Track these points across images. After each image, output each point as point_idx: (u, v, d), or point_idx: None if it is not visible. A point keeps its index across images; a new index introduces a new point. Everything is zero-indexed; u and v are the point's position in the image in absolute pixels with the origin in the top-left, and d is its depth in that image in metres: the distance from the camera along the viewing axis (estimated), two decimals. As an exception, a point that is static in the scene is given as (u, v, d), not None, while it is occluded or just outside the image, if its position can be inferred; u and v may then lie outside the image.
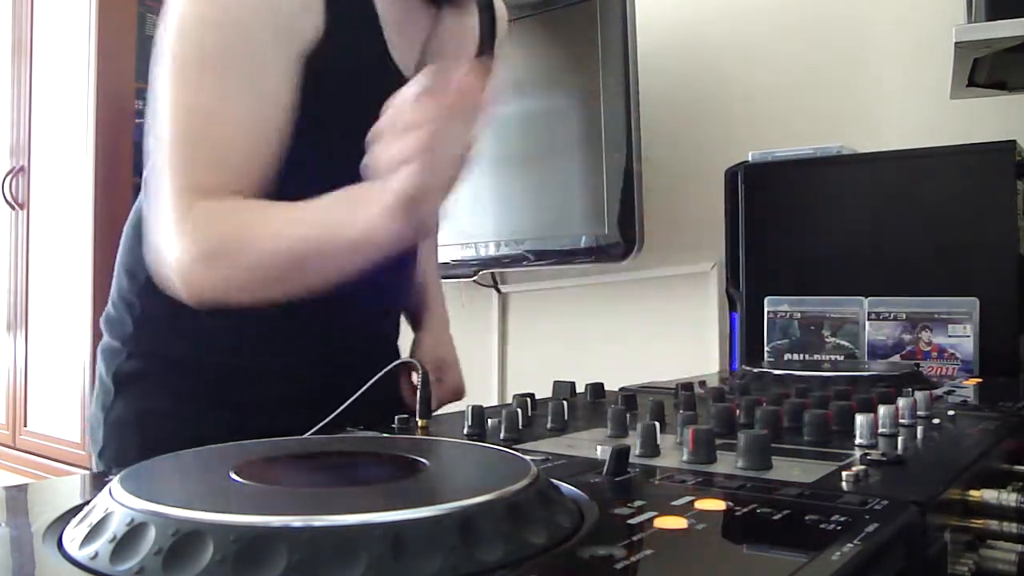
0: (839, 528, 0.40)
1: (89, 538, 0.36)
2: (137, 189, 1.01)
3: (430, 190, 0.70)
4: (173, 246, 0.79)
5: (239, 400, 0.92)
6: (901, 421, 0.68)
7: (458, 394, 1.12)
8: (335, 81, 0.85)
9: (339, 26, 0.83)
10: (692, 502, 0.44)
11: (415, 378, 0.88)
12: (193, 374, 0.92)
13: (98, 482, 0.51)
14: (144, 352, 0.95)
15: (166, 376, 0.94)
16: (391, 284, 0.99)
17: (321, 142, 0.86)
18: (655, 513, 0.42)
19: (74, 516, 0.40)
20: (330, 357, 0.93)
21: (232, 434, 0.91)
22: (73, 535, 0.37)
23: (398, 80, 0.89)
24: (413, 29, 0.92)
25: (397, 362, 0.79)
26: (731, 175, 1.45)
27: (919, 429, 0.68)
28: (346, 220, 0.74)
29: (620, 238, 1.76)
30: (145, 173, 0.97)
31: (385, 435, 0.68)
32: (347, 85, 0.86)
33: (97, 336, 1.01)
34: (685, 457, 0.56)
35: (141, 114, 2.48)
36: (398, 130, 0.69)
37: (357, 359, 0.86)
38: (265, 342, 0.91)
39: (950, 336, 1.18)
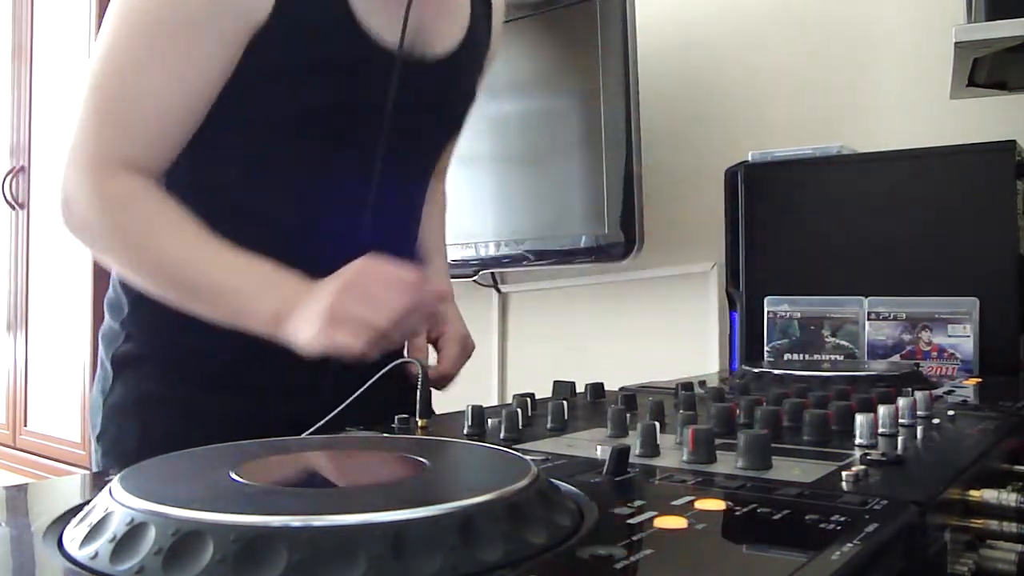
0: (839, 528, 0.40)
1: (89, 538, 0.36)
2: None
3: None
4: (73, 187, 0.84)
5: (236, 385, 0.92)
6: (901, 421, 0.68)
7: (466, 347, 1.06)
8: (290, 48, 0.85)
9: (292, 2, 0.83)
10: (692, 502, 0.44)
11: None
12: (188, 358, 0.92)
13: (98, 482, 0.51)
14: (140, 335, 0.95)
15: (162, 360, 0.94)
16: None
17: (288, 109, 0.87)
18: (655, 513, 0.42)
19: (74, 516, 0.40)
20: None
21: (229, 419, 0.92)
22: (73, 535, 0.37)
23: (370, 48, 0.87)
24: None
25: (397, 361, 0.79)
26: (731, 175, 1.45)
27: (919, 429, 0.68)
28: (246, 293, 0.81)
29: (620, 238, 1.76)
30: None
31: (385, 435, 0.68)
32: (307, 51, 0.86)
33: (98, 331, 1.01)
34: (685, 457, 0.56)
35: (141, 114, 2.48)
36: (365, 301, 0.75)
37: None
38: None
39: (950, 336, 1.18)
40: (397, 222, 1.01)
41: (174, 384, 0.93)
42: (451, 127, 1.04)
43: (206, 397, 0.92)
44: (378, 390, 0.78)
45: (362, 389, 0.80)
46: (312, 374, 0.88)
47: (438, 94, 0.96)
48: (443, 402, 0.82)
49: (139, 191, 0.84)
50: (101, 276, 2.37)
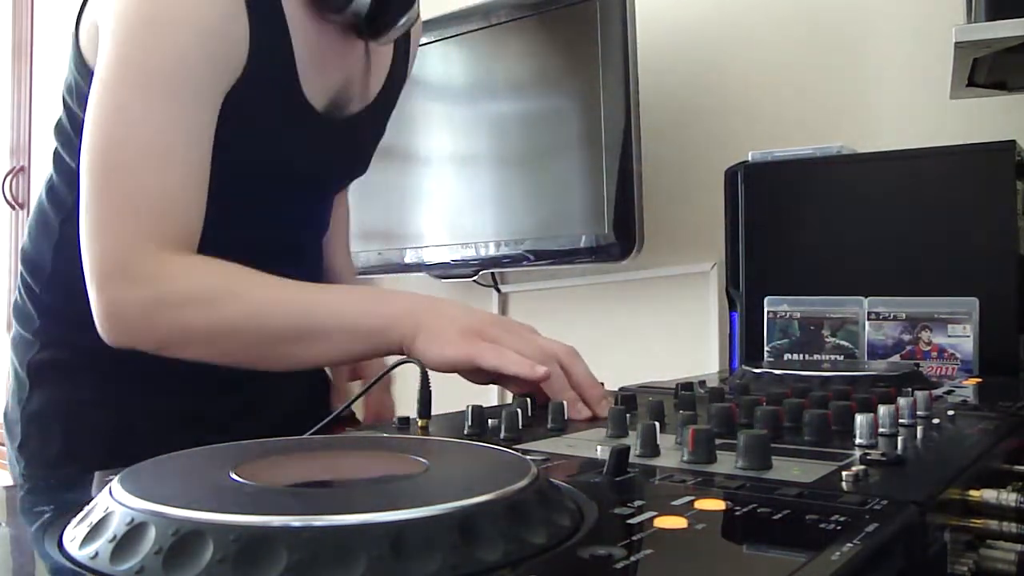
0: (839, 528, 0.40)
1: (89, 538, 0.36)
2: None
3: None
4: (116, 289, 0.76)
5: (162, 384, 0.91)
6: (901, 421, 0.68)
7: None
8: (247, 114, 0.84)
9: (258, 61, 0.83)
10: (692, 502, 0.44)
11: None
12: (109, 360, 0.90)
13: (98, 482, 0.51)
14: (55, 342, 0.94)
15: (81, 365, 0.93)
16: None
17: (231, 179, 0.85)
18: (655, 513, 0.42)
19: (74, 516, 0.40)
20: None
21: (161, 418, 0.92)
22: (73, 535, 0.37)
23: (306, 113, 0.90)
24: (331, 62, 0.92)
25: (398, 361, 0.79)
26: (731, 175, 1.45)
27: (919, 429, 0.68)
28: (365, 311, 0.79)
29: (620, 238, 1.76)
30: (52, 176, 0.96)
31: (385, 435, 0.68)
32: (257, 118, 0.87)
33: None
34: (685, 457, 0.56)
35: (141, 114, 2.48)
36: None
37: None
38: None
39: (950, 336, 1.18)
40: (317, 239, 1.07)
41: (92, 386, 0.92)
42: (365, 164, 1.09)
43: (125, 395, 0.91)
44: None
45: (362, 391, 0.80)
46: (219, 370, 0.87)
47: (357, 143, 1.02)
48: (443, 402, 0.82)
49: (203, 260, 0.79)
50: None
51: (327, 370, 1.08)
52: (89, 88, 0.80)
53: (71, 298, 0.86)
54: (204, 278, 0.78)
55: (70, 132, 0.92)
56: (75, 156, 0.83)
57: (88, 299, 0.79)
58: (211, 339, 0.78)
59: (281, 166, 0.93)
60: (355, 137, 1.01)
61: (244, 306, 0.77)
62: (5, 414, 0.99)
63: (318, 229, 1.08)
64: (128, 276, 0.76)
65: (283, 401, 0.85)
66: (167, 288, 0.77)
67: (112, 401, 0.92)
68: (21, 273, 0.99)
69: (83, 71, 0.87)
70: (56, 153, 0.96)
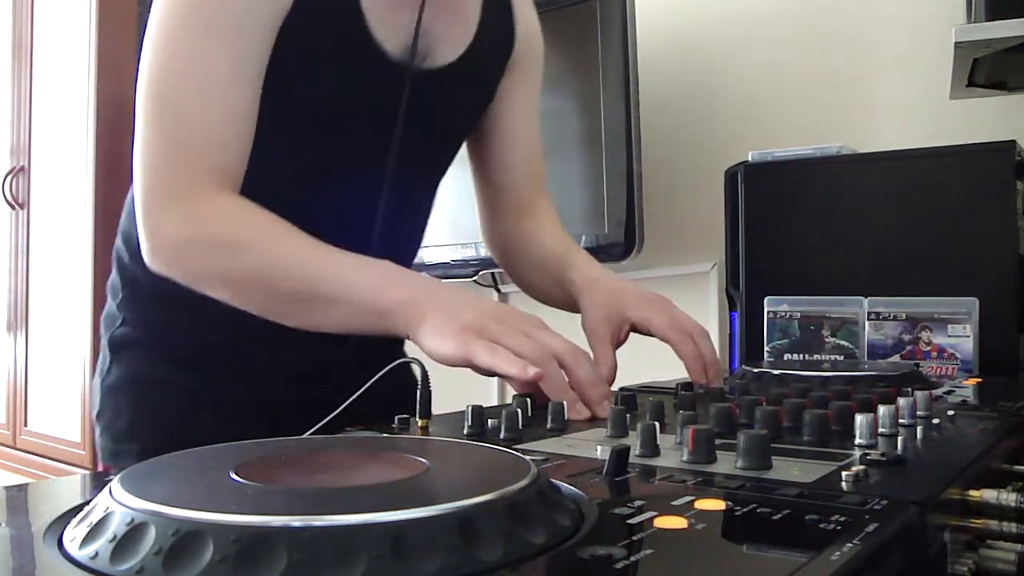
0: (839, 528, 0.40)
1: (89, 538, 0.36)
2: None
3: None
4: (159, 218, 0.79)
5: (234, 370, 0.92)
6: (901, 421, 0.68)
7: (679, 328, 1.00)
8: (306, 50, 0.83)
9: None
10: (692, 502, 0.44)
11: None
12: (183, 342, 0.92)
13: (98, 482, 0.51)
14: (135, 318, 0.96)
15: (157, 343, 0.95)
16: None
17: (292, 115, 0.85)
18: (655, 513, 0.42)
19: (74, 516, 0.40)
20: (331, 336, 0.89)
21: (219, 403, 0.92)
22: (73, 535, 0.37)
23: (379, 57, 0.86)
24: (402, 5, 0.87)
25: (398, 361, 0.79)
26: (731, 175, 1.45)
27: (919, 429, 0.68)
28: (377, 288, 0.77)
29: (620, 238, 1.76)
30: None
31: (385, 435, 0.68)
32: (321, 56, 0.84)
33: (98, 336, 1.02)
34: (685, 457, 0.56)
35: (141, 114, 2.49)
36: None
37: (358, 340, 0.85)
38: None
39: (950, 336, 1.18)
40: (401, 230, 1.00)
41: (164, 367, 0.94)
42: (455, 134, 1.03)
43: (196, 381, 0.93)
44: (377, 390, 0.78)
45: (362, 390, 0.80)
46: (304, 364, 0.88)
47: (440, 103, 0.95)
48: (443, 402, 0.82)
49: (240, 204, 0.80)
50: (101, 276, 2.37)
51: (414, 368, 1.06)
52: None
53: (153, 273, 0.88)
54: (234, 225, 0.78)
55: None
56: None
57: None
58: (232, 286, 0.79)
59: (340, 113, 0.88)
60: (436, 94, 0.92)
61: (262, 260, 0.77)
62: (93, 383, 1.02)
63: (415, 205, 1.01)
64: (168, 209, 0.78)
65: (357, 403, 0.83)
66: (199, 229, 0.78)
67: (180, 384, 0.93)
68: (116, 250, 1.00)
69: None
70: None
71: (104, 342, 0.98)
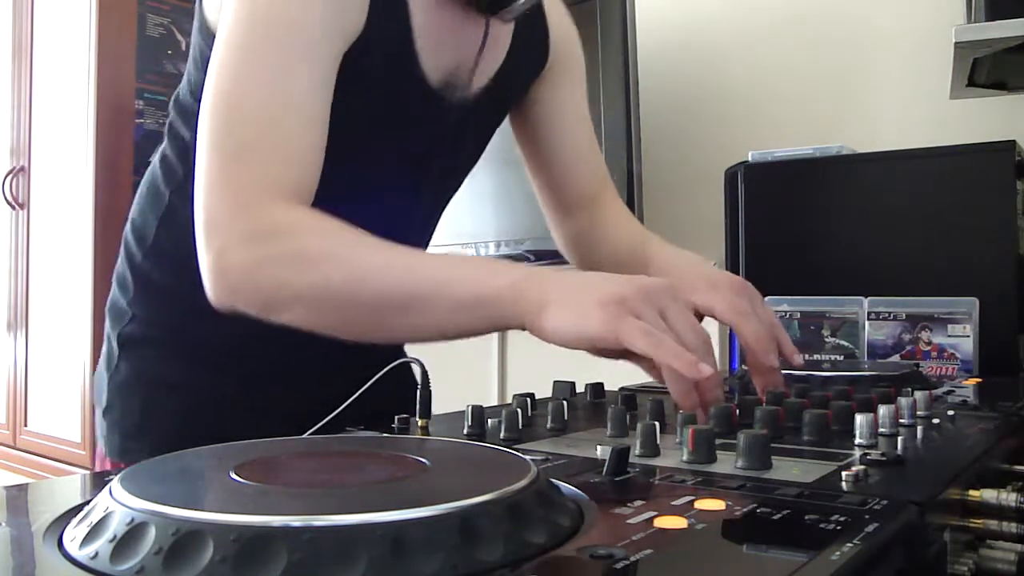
0: (839, 528, 0.40)
1: (89, 538, 0.36)
2: (136, 189, 1.01)
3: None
4: (224, 239, 0.72)
5: (244, 370, 0.92)
6: (901, 421, 0.68)
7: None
8: (359, 84, 0.83)
9: (374, 27, 0.82)
10: (692, 502, 0.44)
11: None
12: (195, 342, 0.93)
13: (98, 482, 0.51)
14: (147, 316, 0.96)
15: (168, 342, 0.94)
16: None
17: (343, 142, 0.82)
18: (655, 513, 0.42)
19: (74, 516, 0.40)
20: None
21: (231, 403, 0.92)
22: (73, 535, 0.37)
23: (422, 88, 0.88)
24: (448, 38, 0.89)
25: (398, 361, 0.79)
26: (731, 175, 1.45)
27: (919, 429, 0.68)
28: (475, 278, 0.69)
29: (620, 238, 1.75)
30: (165, 147, 0.96)
31: (385, 435, 0.68)
32: (372, 86, 0.85)
33: (97, 335, 1.02)
34: (685, 457, 0.56)
35: (141, 114, 2.48)
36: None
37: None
38: None
39: (950, 336, 1.18)
40: (416, 243, 1.00)
41: (176, 367, 0.94)
42: (476, 152, 1.05)
43: (209, 381, 0.93)
44: (377, 390, 0.78)
45: (362, 390, 0.80)
46: (314, 365, 0.87)
47: (465, 125, 0.97)
48: (443, 402, 0.82)
49: (312, 216, 0.73)
50: (101, 276, 2.37)
51: (414, 368, 1.04)
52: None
53: (168, 271, 0.88)
54: (311, 236, 0.72)
55: (190, 101, 0.91)
56: (191, 127, 0.82)
57: (182, 275, 0.79)
58: (312, 302, 0.72)
59: (388, 138, 0.88)
60: (464, 118, 0.94)
61: (347, 269, 0.71)
62: (96, 376, 1.01)
63: (427, 219, 1.01)
64: (236, 229, 0.72)
65: (357, 403, 0.81)
66: (273, 245, 0.71)
67: (192, 384, 0.93)
68: (125, 239, 0.99)
69: (208, 38, 0.84)
70: (170, 125, 0.95)
71: (112, 336, 0.98)
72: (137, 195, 1.00)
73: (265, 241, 0.71)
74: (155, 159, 0.99)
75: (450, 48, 0.90)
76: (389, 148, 0.91)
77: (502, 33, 0.96)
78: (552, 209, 1.14)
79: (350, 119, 0.83)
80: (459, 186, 1.07)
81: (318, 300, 0.71)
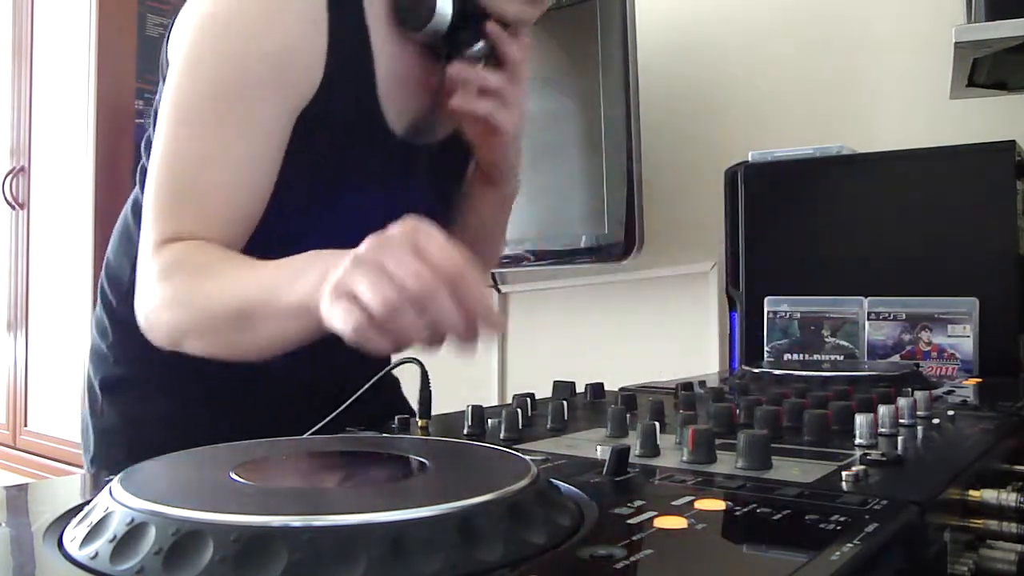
0: (839, 528, 0.40)
1: (89, 538, 0.36)
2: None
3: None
4: (141, 286, 0.78)
5: (230, 402, 0.91)
6: (901, 421, 0.68)
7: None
8: (323, 135, 0.84)
9: (335, 82, 0.82)
10: (692, 502, 0.44)
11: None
12: (179, 378, 0.91)
13: (98, 482, 0.51)
14: (128, 358, 0.95)
15: (152, 383, 0.94)
16: None
17: (305, 194, 0.85)
18: (655, 513, 0.42)
19: (74, 516, 0.40)
20: (324, 352, 0.84)
21: (220, 437, 0.92)
22: (73, 535, 0.37)
23: (385, 137, 0.89)
24: (412, 86, 0.90)
25: (398, 361, 0.79)
26: (731, 175, 1.45)
27: (919, 429, 0.68)
28: (286, 285, 0.67)
29: (620, 238, 1.75)
30: (137, 192, 0.96)
31: (385, 435, 0.68)
32: (334, 139, 0.85)
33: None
34: (685, 457, 0.56)
35: (141, 114, 2.48)
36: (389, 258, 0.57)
37: (355, 355, 0.83)
38: None
39: (950, 336, 1.18)
40: None
41: (160, 404, 0.93)
42: (446, 194, 1.03)
43: (195, 417, 0.92)
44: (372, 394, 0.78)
45: (362, 390, 0.80)
46: (302, 391, 0.87)
47: (429, 171, 0.97)
48: (443, 402, 0.82)
49: (187, 249, 0.77)
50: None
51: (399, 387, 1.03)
52: None
53: None
54: (182, 275, 0.76)
55: None
56: None
57: None
58: (195, 335, 0.76)
59: (354, 185, 0.90)
60: (433, 164, 0.95)
61: (200, 301, 0.74)
62: (81, 423, 1.00)
63: None
64: (146, 275, 0.78)
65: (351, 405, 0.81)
66: (161, 288, 0.76)
67: (180, 420, 0.92)
68: (101, 284, 0.99)
69: None
70: (141, 168, 0.96)
71: (95, 383, 0.97)
72: (111, 238, 1.00)
73: (159, 283, 0.76)
74: (127, 205, 0.99)
75: (415, 95, 0.90)
76: (356, 193, 0.91)
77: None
78: None
79: (317, 167, 0.85)
80: (443, 218, 1.07)
81: (197, 333, 0.75)
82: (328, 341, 0.72)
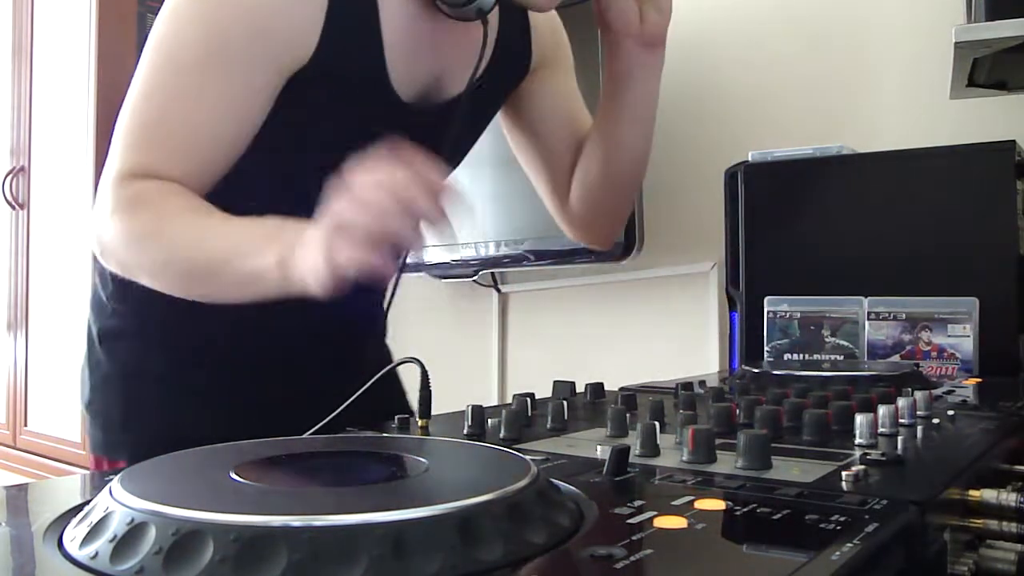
0: (839, 528, 0.40)
1: (89, 538, 0.36)
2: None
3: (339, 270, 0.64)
4: (98, 212, 0.80)
5: (226, 362, 0.92)
6: (901, 421, 0.68)
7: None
8: (322, 98, 0.84)
9: (335, 48, 0.82)
10: (692, 502, 0.44)
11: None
12: (176, 333, 0.92)
13: (98, 482, 0.51)
14: (126, 310, 0.96)
15: (149, 335, 0.94)
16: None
17: (304, 159, 0.85)
18: (655, 513, 0.42)
19: (74, 516, 0.40)
20: (314, 308, 0.82)
21: (211, 394, 0.92)
22: (73, 535, 0.37)
23: (395, 102, 0.88)
24: (424, 50, 0.89)
25: (398, 361, 0.79)
26: (731, 175, 1.45)
27: (919, 429, 0.68)
28: (249, 252, 0.72)
29: (620, 238, 1.75)
30: None
31: (385, 435, 0.68)
32: (335, 103, 0.85)
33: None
34: (685, 457, 0.56)
35: (141, 114, 2.48)
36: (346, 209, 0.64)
37: (344, 308, 0.79)
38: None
39: (950, 336, 1.18)
40: None
41: (157, 359, 0.94)
42: (451, 158, 1.03)
43: (191, 373, 0.93)
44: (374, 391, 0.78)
45: (362, 389, 0.80)
46: (295, 355, 0.87)
47: (446, 132, 0.95)
48: (443, 402, 0.82)
49: (160, 190, 0.79)
50: (101, 276, 2.37)
51: (398, 374, 1.02)
52: None
53: None
54: (149, 214, 0.78)
55: None
56: None
57: None
58: (150, 272, 0.80)
59: (354, 154, 0.90)
60: (445, 127, 0.93)
61: (166, 245, 0.77)
62: (80, 370, 1.01)
63: None
64: (108, 203, 0.79)
65: (344, 396, 0.82)
66: (126, 221, 0.78)
67: (173, 376, 0.93)
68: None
69: None
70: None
71: (93, 331, 0.98)
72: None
73: (119, 215, 0.78)
74: None
75: (426, 60, 0.89)
76: (342, 152, 0.91)
77: (475, 38, 0.92)
78: (557, 196, 1.11)
79: (317, 135, 0.85)
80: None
81: (153, 271, 0.79)
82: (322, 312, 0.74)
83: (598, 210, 1.08)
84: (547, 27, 1.07)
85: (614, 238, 1.13)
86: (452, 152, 1.03)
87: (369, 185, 0.65)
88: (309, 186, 0.89)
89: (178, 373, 0.93)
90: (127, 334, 0.96)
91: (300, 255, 0.68)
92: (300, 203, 0.84)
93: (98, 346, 0.97)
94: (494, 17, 0.93)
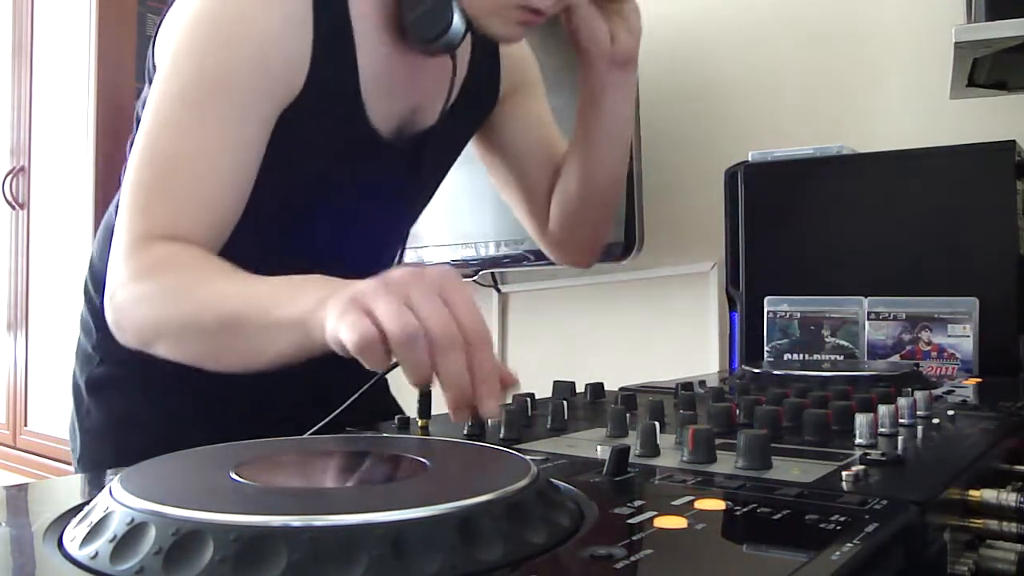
0: (839, 528, 0.40)
1: (89, 538, 0.36)
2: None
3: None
4: (115, 279, 0.76)
5: (216, 403, 0.89)
6: (901, 421, 0.68)
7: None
8: (304, 136, 0.84)
9: (319, 86, 0.82)
10: (692, 502, 0.44)
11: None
12: (164, 377, 0.90)
13: (98, 482, 0.51)
14: (112, 357, 0.95)
15: (136, 382, 0.93)
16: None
17: (286, 194, 0.85)
18: (655, 513, 0.42)
19: (74, 516, 0.40)
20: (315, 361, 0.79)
21: (210, 439, 0.91)
22: (73, 535, 0.37)
23: (371, 139, 0.89)
24: (400, 87, 0.90)
25: (398, 362, 0.79)
26: (731, 175, 1.45)
27: (919, 429, 0.68)
28: (284, 299, 0.67)
29: (620, 238, 1.75)
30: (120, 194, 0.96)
31: (385, 435, 0.68)
32: (316, 141, 0.85)
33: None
34: (685, 457, 0.56)
35: (141, 114, 2.49)
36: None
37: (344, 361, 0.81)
38: None
39: (950, 336, 1.18)
40: (372, 262, 0.98)
41: (147, 405, 0.93)
42: (423, 189, 1.04)
43: (181, 416, 0.92)
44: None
45: (362, 390, 0.80)
46: (290, 401, 0.87)
47: (413, 163, 0.97)
48: (443, 402, 0.82)
49: (179, 250, 0.76)
50: (101, 276, 2.37)
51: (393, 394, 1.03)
52: None
53: None
54: (170, 273, 0.75)
55: None
56: None
57: None
58: (170, 334, 0.75)
59: (337, 187, 0.91)
60: (420, 158, 0.95)
61: (191, 300, 0.73)
62: (69, 424, 1.00)
63: (384, 246, 1.02)
64: (125, 270, 0.76)
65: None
66: (143, 284, 0.75)
67: (165, 420, 0.92)
68: (85, 284, 1.00)
69: None
70: (126, 168, 0.96)
71: (80, 381, 0.97)
72: (96, 237, 1.00)
73: (139, 280, 0.75)
74: (113, 204, 0.99)
75: (401, 96, 0.90)
76: (338, 193, 0.92)
77: (446, 70, 0.92)
78: (536, 219, 1.13)
79: (298, 170, 0.85)
80: (420, 212, 1.08)
81: (173, 332, 0.74)
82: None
83: (578, 230, 1.09)
84: (517, 54, 1.08)
85: (595, 256, 1.15)
86: (427, 182, 1.04)
87: (429, 301, 0.56)
88: (290, 221, 0.89)
89: (168, 416, 0.92)
90: (115, 381, 0.95)
91: (327, 311, 0.61)
92: (283, 239, 0.84)
93: (85, 397, 0.96)
94: (465, 47, 0.94)
